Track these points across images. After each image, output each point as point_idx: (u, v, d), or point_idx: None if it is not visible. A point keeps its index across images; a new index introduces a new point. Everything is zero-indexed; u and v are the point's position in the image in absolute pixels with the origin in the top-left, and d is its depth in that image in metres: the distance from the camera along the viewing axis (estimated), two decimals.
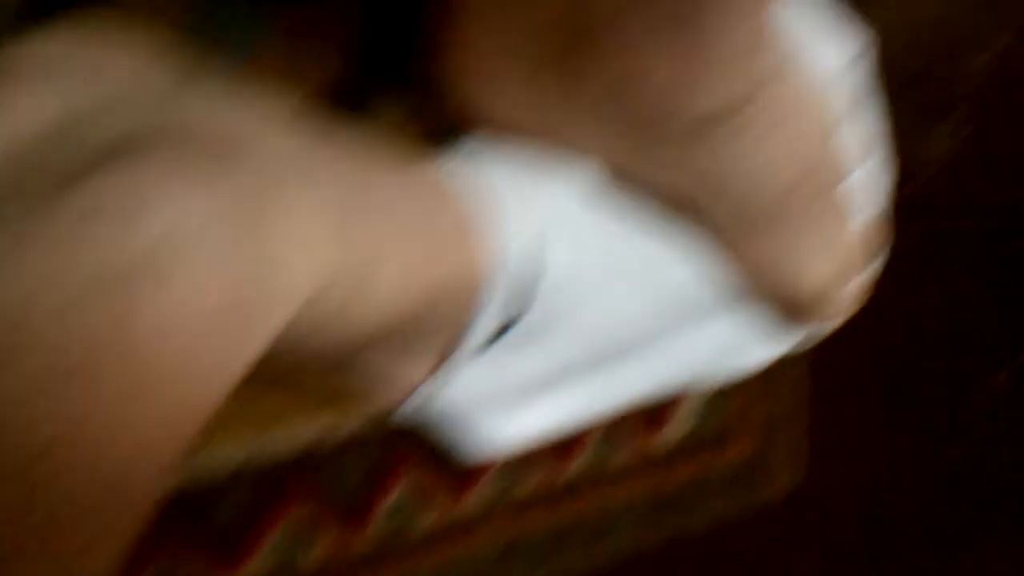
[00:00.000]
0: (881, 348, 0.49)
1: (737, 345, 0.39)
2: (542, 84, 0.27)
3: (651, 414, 0.41)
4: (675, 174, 0.29)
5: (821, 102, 0.36)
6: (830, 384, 0.48)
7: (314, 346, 0.24)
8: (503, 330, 0.30)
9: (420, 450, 0.35)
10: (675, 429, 0.41)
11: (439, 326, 0.28)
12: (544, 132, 0.29)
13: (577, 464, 0.39)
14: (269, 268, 0.20)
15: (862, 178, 0.38)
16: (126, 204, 0.18)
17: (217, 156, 0.20)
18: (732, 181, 0.29)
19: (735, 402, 0.43)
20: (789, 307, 0.37)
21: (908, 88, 0.49)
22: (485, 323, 0.29)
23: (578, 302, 0.31)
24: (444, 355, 0.30)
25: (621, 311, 0.32)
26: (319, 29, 0.30)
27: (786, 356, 0.42)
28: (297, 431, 0.32)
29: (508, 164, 0.30)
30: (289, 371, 0.29)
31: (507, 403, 0.33)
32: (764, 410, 0.44)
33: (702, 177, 0.29)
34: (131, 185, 0.18)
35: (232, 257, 0.19)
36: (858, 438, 0.51)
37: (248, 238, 0.19)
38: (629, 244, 0.32)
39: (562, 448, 0.38)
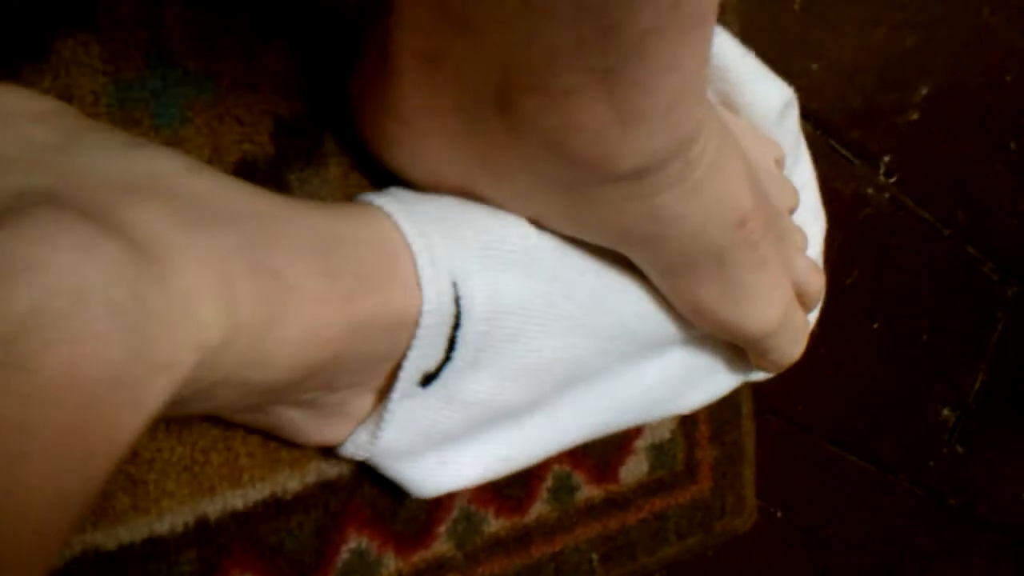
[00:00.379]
0: (830, 382, 0.50)
1: (686, 380, 0.38)
2: (474, 140, 0.27)
3: (607, 455, 0.40)
4: (613, 221, 0.29)
5: (758, 148, 0.36)
6: (780, 419, 0.48)
7: (228, 392, 0.23)
8: (436, 373, 0.30)
9: (368, 508, 0.34)
10: (632, 470, 0.41)
11: (364, 365, 0.28)
12: (477, 186, 0.29)
13: (535, 510, 0.38)
14: (169, 322, 0.19)
15: (800, 221, 0.38)
16: (8, 264, 0.17)
17: (112, 210, 0.20)
18: (672, 228, 0.29)
19: (690, 441, 0.43)
20: (739, 345, 0.37)
21: (837, 134, 0.49)
22: (416, 363, 0.29)
23: (513, 340, 0.30)
24: (377, 395, 0.30)
25: (561, 348, 0.32)
26: (250, 97, 0.29)
27: (736, 393, 0.42)
28: (243, 494, 0.31)
29: (439, 205, 0.29)
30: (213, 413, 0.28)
31: (447, 443, 0.32)
32: (717, 449, 0.44)
33: (641, 224, 0.29)
34: (14, 245, 0.17)
35: (126, 313, 0.18)
36: (811, 471, 0.51)
37: (144, 293, 0.19)
38: (570, 280, 0.31)
39: (517, 496, 0.38)
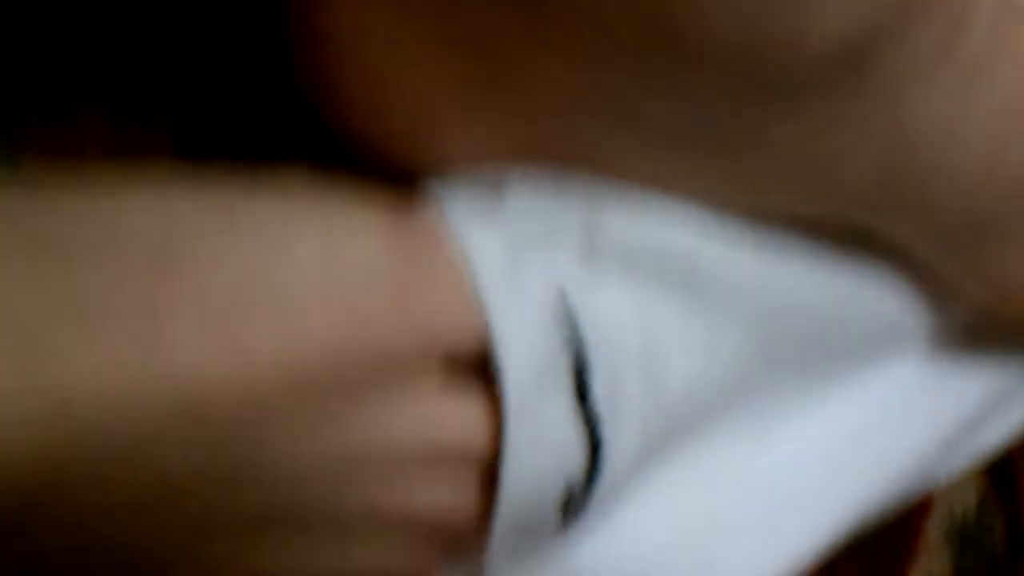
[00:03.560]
0: None
1: (982, 405, 0.28)
2: (494, 97, 0.18)
3: (884, 551, 0.29)
4: (819, 168, 0.19)
5: None
6: None
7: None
8: (583, 493, 0.20)
9: None
10: (926, 567, 0.29)
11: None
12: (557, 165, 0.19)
13: None
14: None
15: None
16: None
17: None
18: (939, 159, 0.19)
19: (1010, 507, 0.31)
20: None
21: None
22: (524, 470, 0.19)
23: (696, 414, 0.21)
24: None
25: (781, 413, 0.23)
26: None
27: None
28: None
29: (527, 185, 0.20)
30: None
31: None
32: None
33: (877, 161, 0.18)
34: None
35: None
36: None
37: None
38: (776, 297, 0.22)
39: None
